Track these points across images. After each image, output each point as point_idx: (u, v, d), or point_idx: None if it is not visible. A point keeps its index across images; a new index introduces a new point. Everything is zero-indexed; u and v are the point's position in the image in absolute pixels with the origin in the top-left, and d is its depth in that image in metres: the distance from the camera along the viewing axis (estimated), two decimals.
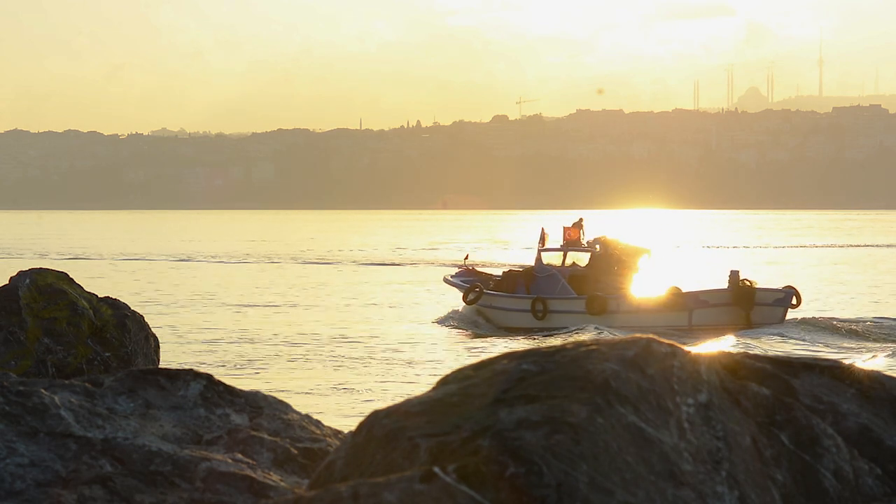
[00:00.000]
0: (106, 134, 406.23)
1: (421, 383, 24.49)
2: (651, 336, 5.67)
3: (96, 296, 14.06)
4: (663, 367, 5.52)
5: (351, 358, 28.86)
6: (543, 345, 5.72)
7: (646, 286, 36.10)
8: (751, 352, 6.44)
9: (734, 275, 35.10)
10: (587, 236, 62.45)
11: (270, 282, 57.75)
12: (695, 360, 5.66)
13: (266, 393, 7.15)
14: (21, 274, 13.94)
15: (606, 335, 32.48)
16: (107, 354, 13.49)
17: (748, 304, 34.21)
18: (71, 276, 14.14)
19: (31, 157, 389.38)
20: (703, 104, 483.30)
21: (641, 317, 34.36)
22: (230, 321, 37.86)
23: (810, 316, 35.00)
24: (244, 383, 22.63)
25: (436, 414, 5.31)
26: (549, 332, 34.08)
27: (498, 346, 31.40)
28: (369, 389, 23.88)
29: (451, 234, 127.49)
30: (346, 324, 37.14)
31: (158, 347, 14.28)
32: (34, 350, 13.25)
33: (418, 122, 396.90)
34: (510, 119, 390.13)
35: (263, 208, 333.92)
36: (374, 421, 5.44)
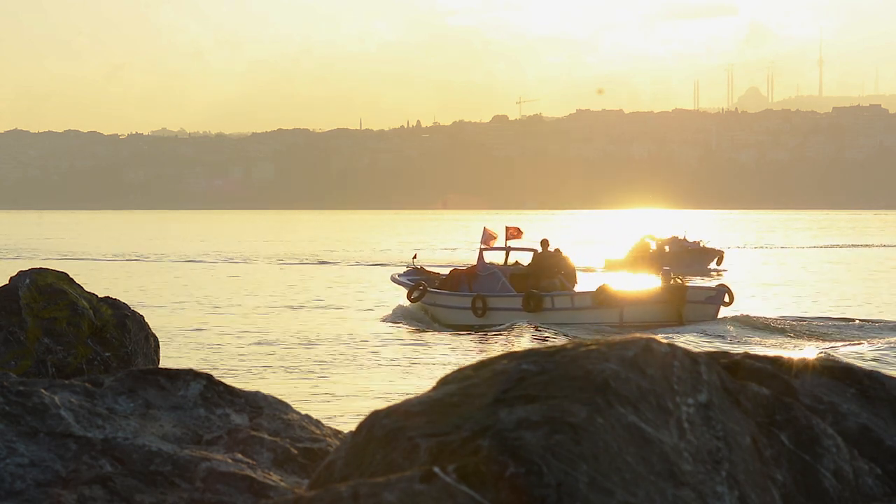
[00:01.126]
0: (106, 134, 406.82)
1: (355, 383, 25.07)
2: (651, 336, 5.67)
3: (96, 296, 14.07)
4: (663, 367, 5.52)
5: (351, 357, 28.89)
6: (542, 345, 5.72)
7: (586, 284, 36.96)
8: (750, 352, 6.44)
9: (666, 273, 35.67)
10: (660, 236, 62.24)
11: (270, 282, 57.77)
12: (695, 360, 5.66)
13: (266, 393, 7.15)
14: (21, 274, 13.95)
15: (532, 331, 33.89)
16: (107, 354, 13.49)
17: (680, 302, 34.61)
18: (71, 276, 14.15)
19: (31, 157, 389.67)
20: (703, 104, 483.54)
21: (574, 314, 34.98)
22: (230, 321, 37.88)
23: (742, 314, 35.37)
24: (244, 383, 22.64)
25: (436, 414, 5.31)
26: (488, 329, 34.80)
27: (438, 344, 32.11)
28: (370, 389, 23.91)
29: (447, 235, 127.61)
30: (345, 323, 37.19)
31: (158, 347, 14.29)
32: (34, 350, 13.26)
33: (418, 122, 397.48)
34: (510, 119, 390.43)
35: (263, 208, 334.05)
36: (374, 421, 5.45)
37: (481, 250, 37.75)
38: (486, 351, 30.38)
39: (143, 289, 52.07)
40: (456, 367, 5.68)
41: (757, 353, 6.37)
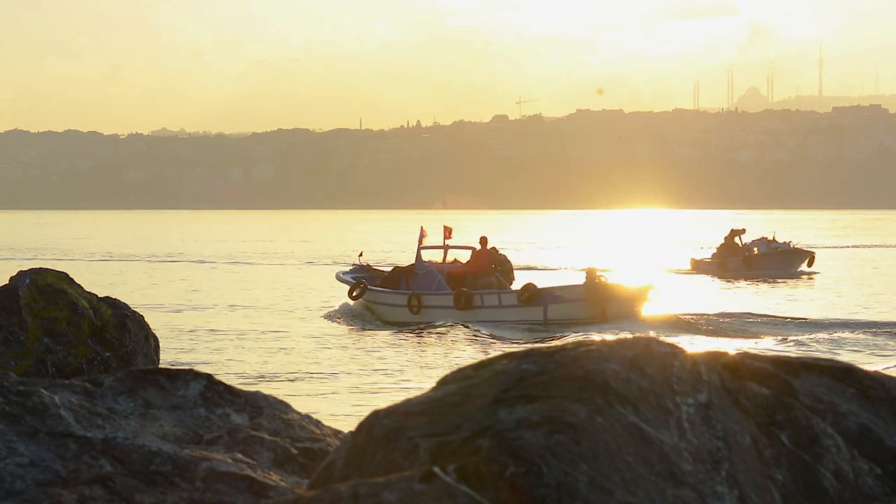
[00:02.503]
0: (106, 134, 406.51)
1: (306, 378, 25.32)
2: (651, 336, 5.67)
3: (96, 296, 14.08)
4: (663, 367, 5.52)
5: (350, 357, 28.91)
6: (542, 345, 5.72)
7: (516, 283, 37.40)
8: (750, 352, 6.44)
9: (590, 271, 36.32)
10: (746, 239, 61.42)
11: (271, 282, 57.77)
12: (695, 360, 5.67)
13: (266, 393, 7.15)
14: (21, 274, 13.95)
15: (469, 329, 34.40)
16: (107, 354, 13.49)
17: (603, 300, 35.22)
18: (71, 276, 14.15)
19: (31, 157, 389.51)
20: (703, 104, 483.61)
21: (501, 312, 35.67)
22: (231, 321, 37.89)
23: (667, 312, 36.04)
24: (244, 383, 22.65)
25: (436, 414, 5.31)
26: (423, 326, 35.47)
27: (378, 340, 32.81)
28: (369, 390, 23.92)
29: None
30: (346, 323, 37.19)
31: (158, 347, 14.29)
32: (34, 350, 13.26)
33: (418, 122, 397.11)
34: (510, 119, 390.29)
35: (263, 208, 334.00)
36: (374, 421, 5.45)
37: (419, 249, 38.43)
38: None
39: (144, 289, 52.08)
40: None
41: (757, 352, 6.37)
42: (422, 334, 33.74)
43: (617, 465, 5.06)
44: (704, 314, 36.85)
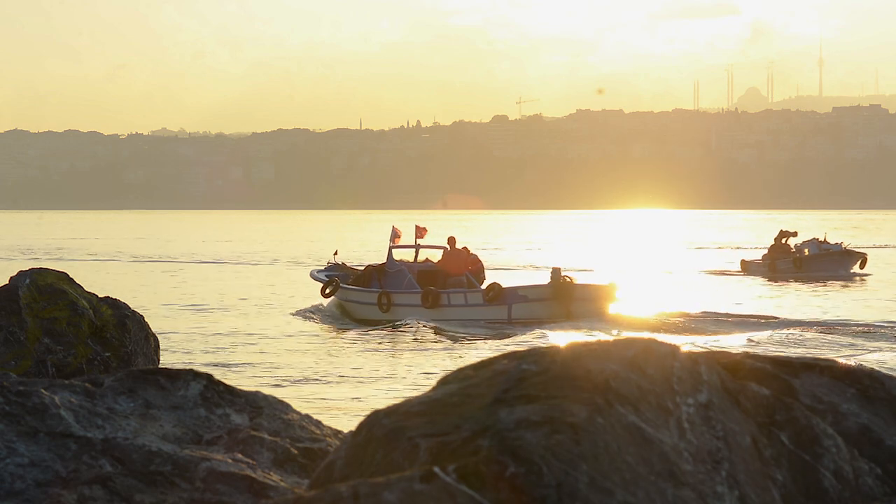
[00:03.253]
0: (106, 134, 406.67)
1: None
2: (651, 337, 5.68)
3: (96, 296, 14.07)
4: (663, 367, 5.52)
5: (351, 357, 28.92)
6: (542, 345, 5.72)
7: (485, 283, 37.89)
8: (750, 352, 6.44)
9: (555, 271, 36.68)
10: (799, 238, 60.52)
11: (271, 282, 57.76)
12: (695, 360, 5.67)
13: (266, 393, 7.15)
14: (21, 274, 13.95)
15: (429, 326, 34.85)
16: (107, 354, 13.49)
17: (568, 299, 35.65)
18: (71, 276, 14.15)
19: (31, 157, 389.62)
20: (704, 104, 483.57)
21: (467, 310, 36.18)
22: (231, 321, 37.91)
23: (633, 310, 36.69)
24: (244, 383, 22.65)
25: (436, 414, 5.31)
26: (392, 323, 35.93)
27: (349, 336, 33.31)
28: (370, 388, 23.93)
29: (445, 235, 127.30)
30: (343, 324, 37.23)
31: (158, 347, 14.29)
32: (34, 350, 13.26)
33: (418, 122, 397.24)
34: (510, 119, 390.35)
35: (263, 208, 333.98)
36: (374, 421, 5.45)
37: (391, 248, 38.99)
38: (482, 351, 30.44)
39: (143, 289, 52.09)
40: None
41: (757, 352, 6.37)
42: (422, 334, 33.82)
43: (617, 465, 5.07)
44: (669, 312, 37.34)
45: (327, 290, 38.64)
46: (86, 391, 6.79)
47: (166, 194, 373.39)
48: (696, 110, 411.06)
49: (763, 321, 35.83)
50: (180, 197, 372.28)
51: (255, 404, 6.99)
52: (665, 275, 61.78)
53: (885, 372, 6.53)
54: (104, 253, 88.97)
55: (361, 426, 5.50)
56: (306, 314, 38.72)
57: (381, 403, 7.18)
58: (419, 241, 39.01)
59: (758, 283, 54.68)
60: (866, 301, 45.35)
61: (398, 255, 39.20)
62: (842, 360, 6.55)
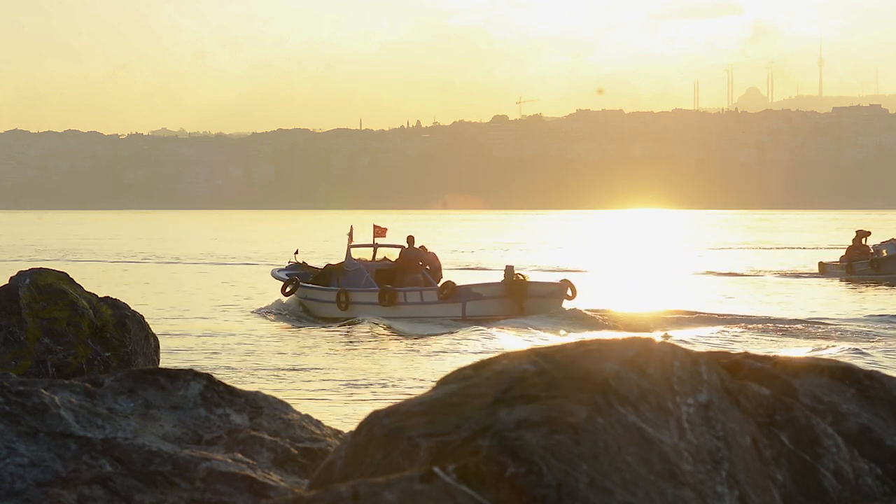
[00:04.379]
0: (106, 134, 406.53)
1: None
2: (651, 337, 5.68)
3: (96, 296, 14.07)
4: (663, 367, 5.52)
5: (350, 357, 28.94)
6: (543, 345, 5.72)
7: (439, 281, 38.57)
8: (750, 352, 6.44)
9: (509, 269, 37.36)
10: (873, 240, 58.83)
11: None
12: (695, 360, 5.66)
13: (266, 393, 7.15)
14: (21, 274, 13.96)
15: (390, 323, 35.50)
16: (107, 354, 13.49)
17: (521, 297, 36.33)
18: (71, 276, 14.15)
19: (31, 157, 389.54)
20: (704, 104, 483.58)
21: (422, 308, 36.92)
22: (230, 321, 37.94)
23: (585, 308, 37.08)
24: (244, 383, 22.64)
25: (436, 414, 5.31)
26: (350, 321, 36.57)
27: (311, 333, 33.68)
28: (370, 389, 23.93)
29: (447, 235, 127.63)
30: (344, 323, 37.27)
31: (158, 347, 14.29)
32: (34, 350, 13.26)
33: (418, 122, 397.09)
34: (510, 119, 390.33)
35: (263, 208, 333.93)
36: (374, 421, 5.45)
37: (349, 247, 39.68)
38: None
39: (144, 288, 52.10)
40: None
41: (757, 353, 6.37)
42: (423, 334, 33.88)
43: (617, 465, 5.06)
44: (615, 311, 37.87)
45: (287, 289, 39.51)
46: (86, 391, 6.79)
47: (166, 194, 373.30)
48: (696, 110, 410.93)
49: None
50: (180, 197, 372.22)
51: (255, 404, 6.99)
52: (754, 276, 60.52)
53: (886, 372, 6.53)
54: (114, 253, 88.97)
55: (361, 426, 5.50)
56: (266, 312, 39.38)
57: (381, 403, 7.18)
58: (377, 241, 39.69)
59: (834, 286, 53.59)
60: None
61: (356, 253, 39.89)
62: (842, 360, 6.55)
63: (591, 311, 36.71)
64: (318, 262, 43.62)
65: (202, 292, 50.27)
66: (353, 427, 5.66)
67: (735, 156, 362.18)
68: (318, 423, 7.08)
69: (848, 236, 64.07)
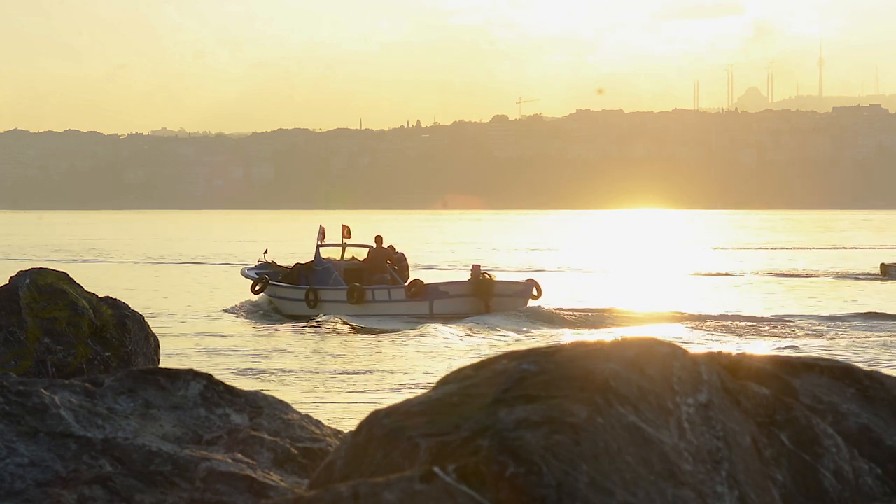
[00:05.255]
0: (106, 134, 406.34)
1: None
2: (652, 337, 5.68)
3: (96, 296, 14.07)
4: (663, 367, 5.52)
5: (351, 357, 28.94)
6: (543, 345, 5.72)
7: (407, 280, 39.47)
8: (750, 352, 6.44)
9: (475, 268, 38.53)
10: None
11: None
12: (695, 360, 5.66)
13: (266, 393, 7.15)
14: (21, 274, 13.95)
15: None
16: (107, 354, 13.49)
17: (487, 295, 37.44)
18: (71, 276, 14.15)
19: (31, 157, 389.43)
20: (704, 104, 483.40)
21: (390, 306, 37.87)
22: (230, 321, 37.97)
23: (548, 306, 38.14)
24: (244, 383, 22.64)
25: (436, 414, 5.31)
26: (319, 319, 37.38)
27: (311, 334, 34.08)
28: (370, 389, 23.93)
29: (446, 235, 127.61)
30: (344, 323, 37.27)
31: (158, 347, 14.29)
32: (34, 350, 13.26)
33: (418, 122, 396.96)
34: (510, 119, 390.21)
35: (263, 208, 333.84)
36: (374, 421, 5.45)
37: (318, 246, 40.55)
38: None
39: (144, 289, 52.10)
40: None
41: (756, 352, 6.37)
42: (422, 335, 33.92)
43: (617, 465, 5.07)
44: (582, 308, 38.92)
45: (257, 288, 40.42)
46: (86, 391, 6.79)
47: (166, 194, 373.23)
48: (696, 110, 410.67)
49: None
50: (180, 197, 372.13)
51: (255, 404, 6.98)
52: (831, 277, 59.97)
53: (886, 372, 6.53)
54: (123, 254, 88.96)
55: (361, 426, 5.50)
56: (237, 311, 40.12)
57: (381, 403, 7.19)
58: (346, 240, 40.63)
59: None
60: None
61: (325, 253, 40.68)
62: (842, 360, 6.55)
63: (559, 309, 37.76)
64: (287, 262, 44.51)
65: (179, 292, 50.41)
66: (353, 427, 5.66)
67: (735, 156, 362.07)
68: (318, 423, 7.08)
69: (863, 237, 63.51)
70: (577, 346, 5.57)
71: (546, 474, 4.92)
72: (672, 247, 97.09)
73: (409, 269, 40.18)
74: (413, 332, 33.83)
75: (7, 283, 13.85)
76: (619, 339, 5.68)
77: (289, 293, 39.87)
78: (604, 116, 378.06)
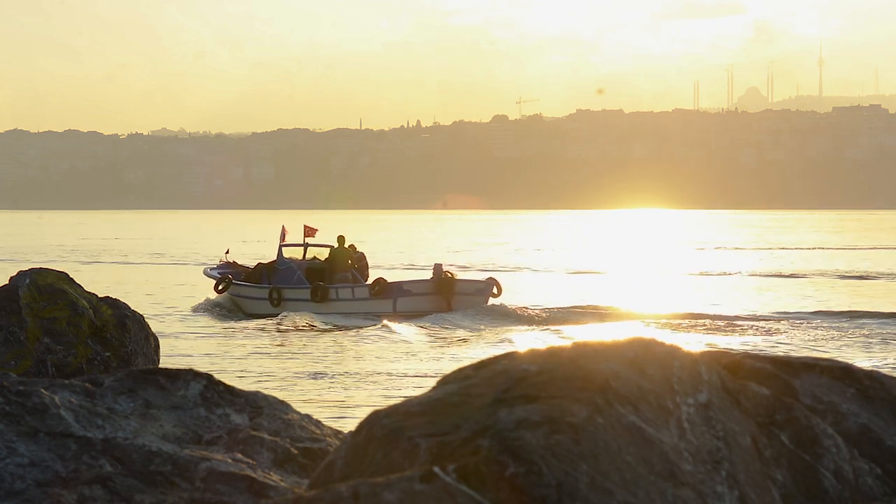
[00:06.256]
0: (106, 134, 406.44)
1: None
2: (652, 337, 5.68)
3: (96, 296, 14.07)
4: (663, 367, 5.52)
5: (350, 358, 28.94)
6: (542, 346, 5.72)
7: (371, 278, 40.43)
8: (750, 352, 6.44)
9: (437, 267, 39.34)
10: None
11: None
12: (695, 360, 5.66)
13: (266, 393, 7.15)
14: (21, 274, 13.96)
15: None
16: (107, 354, 13.49)
17: (449, 293, 38.31)
18: (71, 276, 14.15)
19: (31, 157, 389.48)
20: (704, 104, 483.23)
21: (354, 304, 38.72)
22: (230, 321, 37.98)
23: (508, 303, 38.87)
24: (244, 383, 22.62)
25: (436, 414, 5.31)
26: (282, 316, 38.03)
27: (310, 334, 34.35)
28: (370, 389, 23.93)
29: (445, 235, 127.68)
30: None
31: (158, 347, 14.29)
32: (34, 350, 13.26)
33: (418, 122, 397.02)
34: (510, 119, 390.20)
35: (263, 208, 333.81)
36: (374, 421, 5.45)
37: (280, 246, 41.49)
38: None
39: (144, 288, 52.09)
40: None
41: (757, 353, 6.37)
42: (423, 334, 33.94)
43: (617, 465, 5.06)
44: (540, 306, 39.62)
45: (220, 287, 41.18)
46: (86, 391, 6.79)
47: (166, 194, 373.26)
48: (696, 110, 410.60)
49: None
50: (180, 197, 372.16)
51: (255, 404, 6.98)
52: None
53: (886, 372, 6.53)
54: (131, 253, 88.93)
55: (361, 426, 5.50)
56: (201, 309, 40.65)
57: (381, 403, 7.19)
58: (307, 240, 41.37)
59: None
60: None
61: (287, 253, 41.48)
62: (842, 360, 6.55)
63: (523, 307, 38.47)
64: (249, 262, 45.33)
65: (140, 292, 50.51)
66: (353, 427, 5.66)
67: (735, 156, 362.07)
68: (318, 423, 7.08)
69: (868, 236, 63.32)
70: (577, 346, 5.57)
71: (546, 474, 4.92)
72: (668, 247, 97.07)
73: (370, 268, 41.35)
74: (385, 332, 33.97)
75: (7, 283, 13.86)
76: (620, 339, 5.68)
77: (252, 292, 40.69)
78: (604, 116, 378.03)
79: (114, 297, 14.32)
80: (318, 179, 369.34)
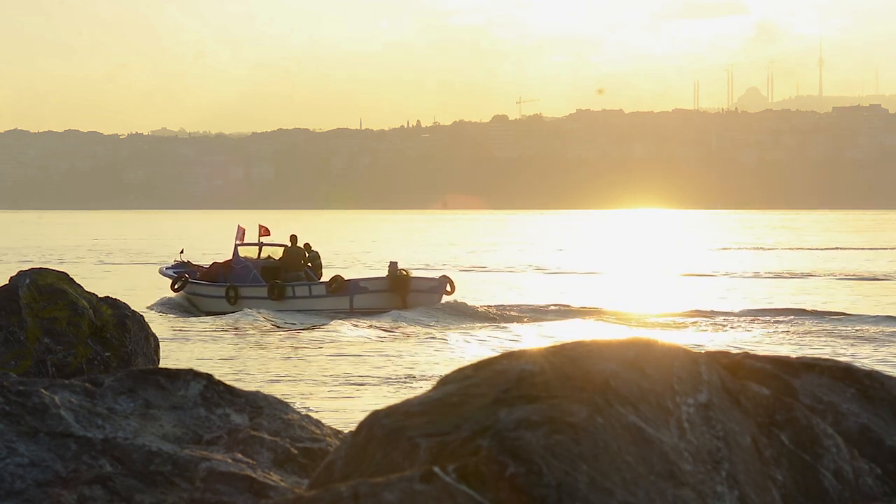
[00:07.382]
0: (106, 134, 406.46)
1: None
2: (651, 337, 5.68)
3: (96, 296, 14.08)
4: (663, 367, 5.52)
5: (350, 358, 28.94)
6: (542, 346, 5.72)
7: (325, 276, 41.29)
8: (750, 352, 6.43)
9: (393, 265, 40.12)
10: None
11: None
12: (695, 360, 5.66)
13: (266, 393, 7.15)
14: (21, 274, 13.96)
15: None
16: (107, 354, 13.49)
17: (404, 291, 39.11)
18: (71, 276, 14.15)
19: (31, 157, 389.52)
20: (704, 104, 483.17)
21: (311, 301, 39.38)
22: (230, 321, 37.97)
23: (461, 301, 39.69)
24: (244, 383, 22.61)
25: (436, 414, 5.31)
26: (239, 314, 38.72)
27: (309, 334, 34.29)
28: (370, 389, 23.93)
29: (444, 235, 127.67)
30: (344, 323, 37.28)
31: (158, 347, 14.29)
32: (34, 350, 13.26)
33: (418, 122, 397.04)
34: (510, 119, 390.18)
35: (263, 208, 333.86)
36: (374, 421, 5.45)
37: (236, 246, 42.13)
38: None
39: (144, 289, 52.07)
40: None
41: (757, 353, 6.37)
42: (417, 336, 33.94)
43: (617, 465, 5.06)
44: (499, 304, 40.41)
45: (176, 286, 41.90)
46: (86, 391, 6.79)
47: (166, 194, 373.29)
48: (696, 110, 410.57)
49: None
50: (180, 197, 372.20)
51: (255, 404, 6.98)
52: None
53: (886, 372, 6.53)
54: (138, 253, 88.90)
55: (361, 426, 5.50)
56: (158, 308, 41.06)
57: (381, 403, 7.19)
58: (262, 240, 42.17)
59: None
60: None
61: (242, 252, 42.13)
62: (842, 360, 6.55)
63: (469, 305, 39.21)
64: (202, 261, 45.66)
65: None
66: (353, 427, 5.66)
67: (735, 156, 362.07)
68: (318, 423, 7.08)
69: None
70: (577, 346, 5.57)
71: (546, 474, 4.92)
72: (667, 247, 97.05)
73: (323, 267, 42.11)
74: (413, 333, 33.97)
75: (7, 283, 13.86)
76: (620, 339, 5.68)
77: (209, 290, 41.38)
78: (604, 116, 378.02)
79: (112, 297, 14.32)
80: (318, 179, 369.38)
